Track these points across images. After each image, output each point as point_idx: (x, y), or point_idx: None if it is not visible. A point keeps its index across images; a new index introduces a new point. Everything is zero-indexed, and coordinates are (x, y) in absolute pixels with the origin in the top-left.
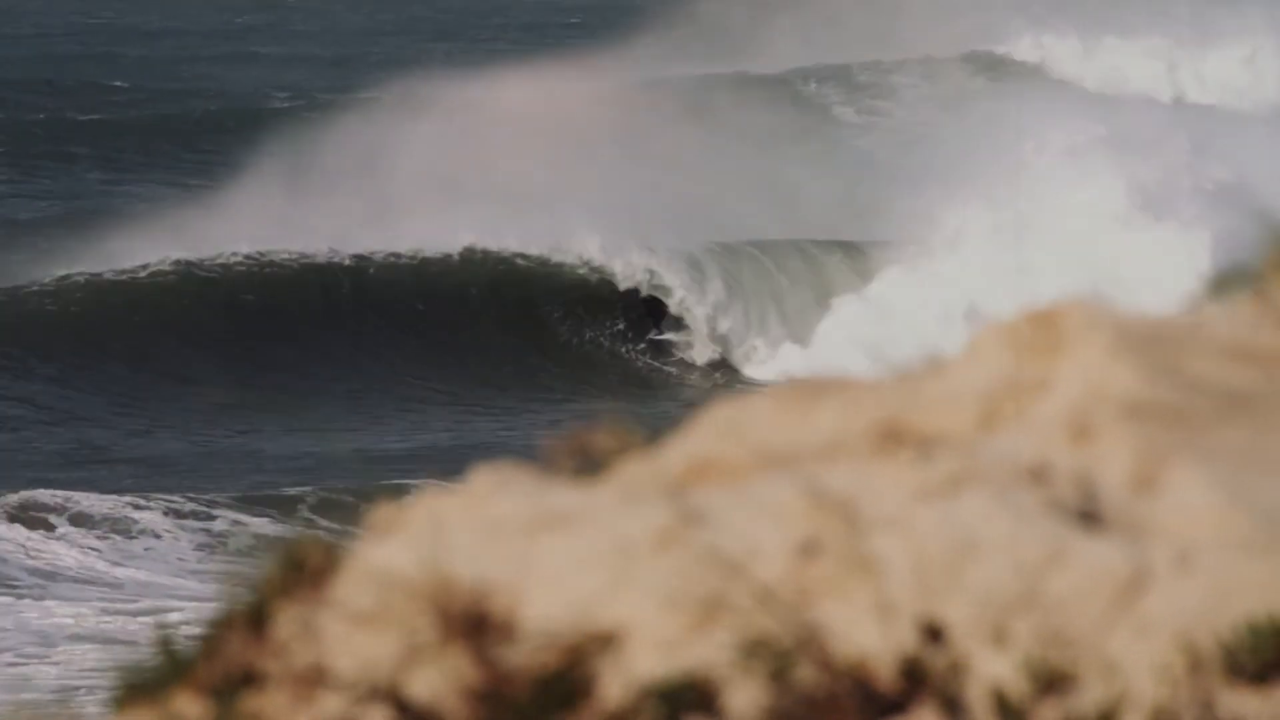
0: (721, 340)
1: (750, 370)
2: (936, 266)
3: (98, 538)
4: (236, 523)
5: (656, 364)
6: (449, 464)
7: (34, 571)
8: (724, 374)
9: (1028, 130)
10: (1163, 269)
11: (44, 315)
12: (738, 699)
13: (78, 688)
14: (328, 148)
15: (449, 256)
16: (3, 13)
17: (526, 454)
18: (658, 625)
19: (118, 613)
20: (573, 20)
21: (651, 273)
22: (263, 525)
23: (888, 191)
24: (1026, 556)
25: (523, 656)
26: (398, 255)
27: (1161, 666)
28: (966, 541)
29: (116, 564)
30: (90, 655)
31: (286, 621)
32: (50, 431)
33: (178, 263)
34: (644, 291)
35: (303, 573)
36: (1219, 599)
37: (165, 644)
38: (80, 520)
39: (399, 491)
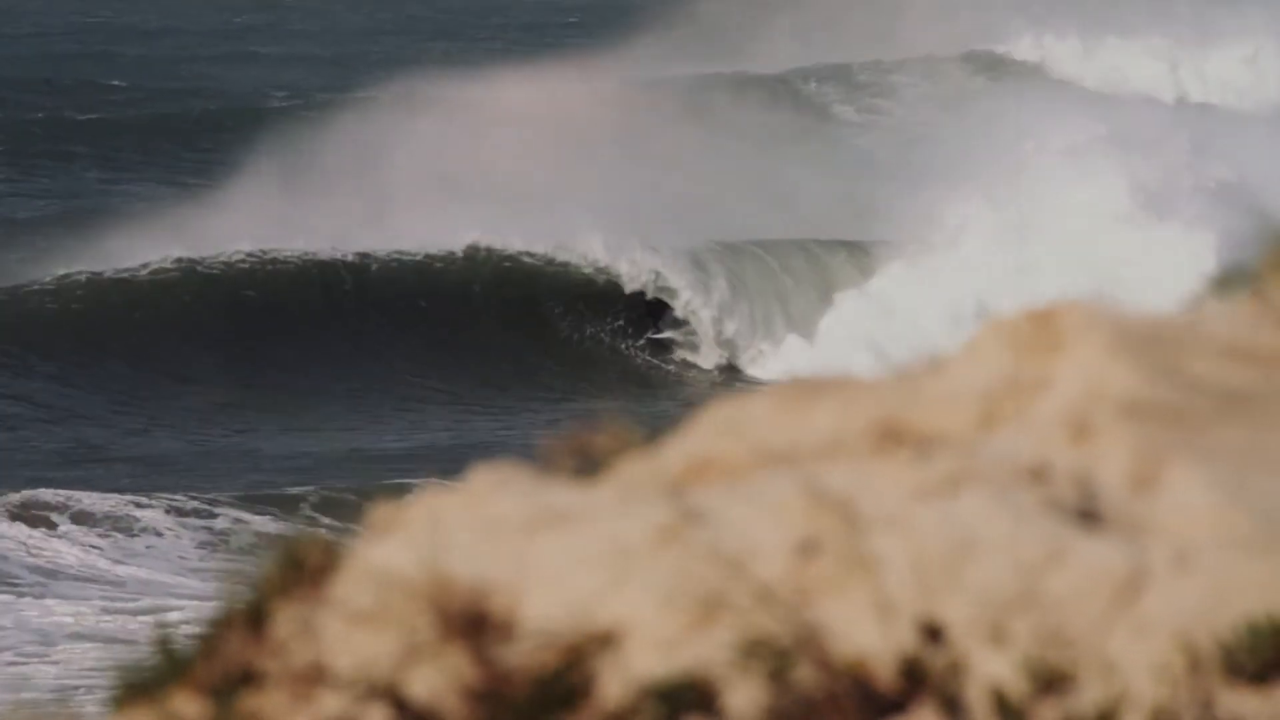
0: (725, 339)
1: (753, 369)
2: (940, 264)
3: (99, 535)
4: (238, 521)
5: (657, 362)
6: (448, 463)
7: (35, 569)
8: (727, 373)
9: (1029, 129)
10: (1165, 268)
11: (44, 314)
12: (737, 698)
13: (77, 687)
14: (326, 147)
15: (449, 255)
16: (1, 12)
17: (526, 453)
18: (657, 625)
19: (118, 611)
20: (571, 20)
21: (656, 273)
22: (264, 523)
23: (889, 190)
24: (1025, 556)
25: (522, 656)
26: (398, 254)
27: (1160, 666)
28: (966, 541)
29: (118, 562)
30: (90, 654)
31: (285, 621)
32: (50, 430)
33: (178, 261)
34: (647, 290)
35: (302, 572)
36: (1218, 599)
37: (164, 643)
38: (82, 518)
39: (399, 491)
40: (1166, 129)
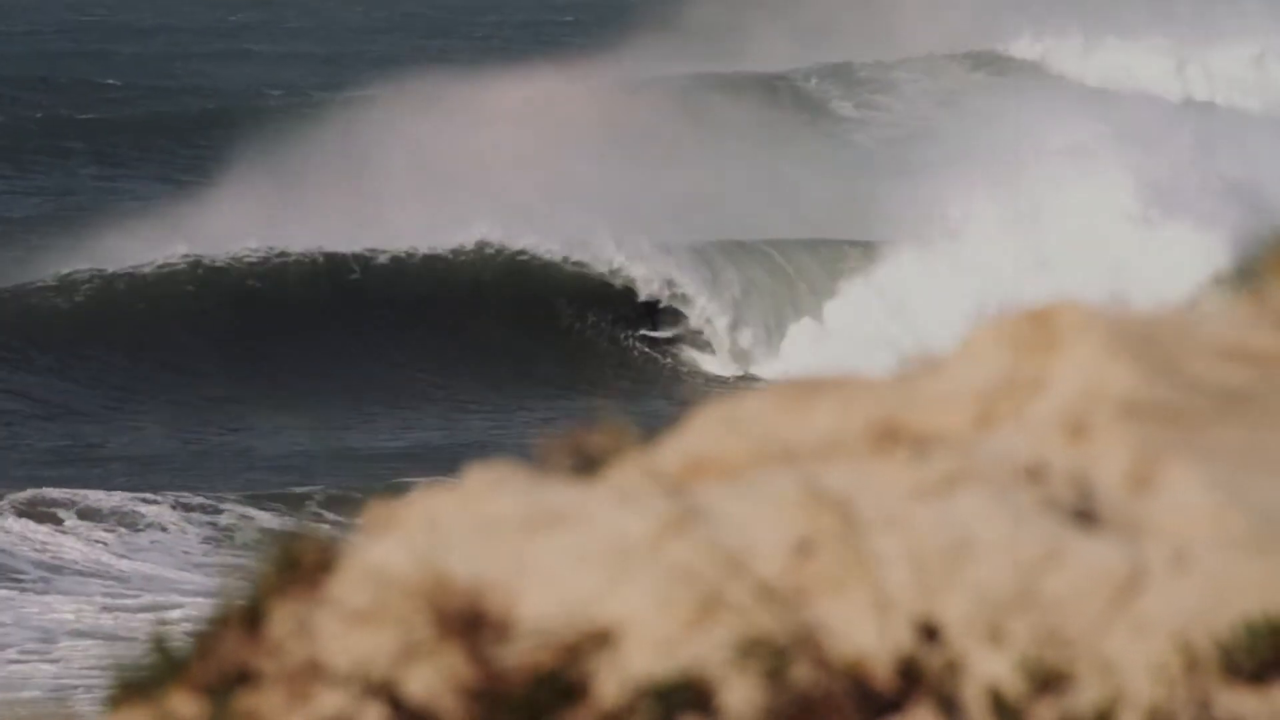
0: (730, 337)
1: (757, 366)
2: (947, 261)
3: (105, 530)
4: (244, 516)
5: (658, 359)
6: (445, 462)
7: (40, 565)
8: (731, 370)
9: (1032, 127)
10: (1174, 266)
11: (44, 311)
12: (734, 698)
13: (75, 686)
14: (321, 145)
15: (448, 254)
16: None
17: (523, 452)
18: (654, 623)
19: (121, 608)
20: (566, 19)
21: (659, 272)
22: (269, 519)
23: (891, 188)
24: (1023, 556)
25: (518, 655)
26: (396, 253)
27: (1158, 666)
28: (963, 540)
29: (122, 557)
30: (90, 651)
31: (282, 619)
32: (50, 428)
33: (182, 258)
34: (653, 289)
35: (298, 571)
36: (1216, 598)
37: (160, 642)
38: (88, 514)
39: (396, 489)
40: (1171, 127)
